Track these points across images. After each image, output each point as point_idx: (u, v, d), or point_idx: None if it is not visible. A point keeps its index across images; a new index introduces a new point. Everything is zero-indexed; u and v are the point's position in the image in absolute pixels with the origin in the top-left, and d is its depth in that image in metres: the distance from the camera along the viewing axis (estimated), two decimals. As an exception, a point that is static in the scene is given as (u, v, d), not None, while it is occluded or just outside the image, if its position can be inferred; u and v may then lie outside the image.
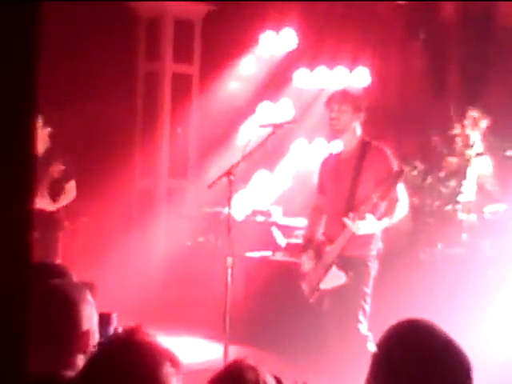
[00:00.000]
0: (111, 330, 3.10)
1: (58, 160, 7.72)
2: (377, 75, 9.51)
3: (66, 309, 2.69)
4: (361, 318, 5.76)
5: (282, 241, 8.64)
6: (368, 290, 5.83)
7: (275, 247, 8.63)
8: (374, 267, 5.88)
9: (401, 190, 5.79)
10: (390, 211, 5.74)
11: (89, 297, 2.81)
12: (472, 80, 8.93)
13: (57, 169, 7.66)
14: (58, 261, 7.70)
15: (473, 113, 8.12)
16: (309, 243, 6.02)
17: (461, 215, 7.86)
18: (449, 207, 7.94)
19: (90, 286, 3.34)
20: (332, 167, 6.09)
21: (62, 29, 9.94)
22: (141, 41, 10.32)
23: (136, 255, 9.77)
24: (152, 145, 10.17)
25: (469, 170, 8.03)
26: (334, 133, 6.02)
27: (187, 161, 10.18)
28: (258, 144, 5.93)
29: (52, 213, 7.81)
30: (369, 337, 5.77)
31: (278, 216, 9.13)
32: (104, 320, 3.06)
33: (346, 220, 5.66)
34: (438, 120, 8.66)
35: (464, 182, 8.00)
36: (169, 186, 10.16)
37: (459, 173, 8.06)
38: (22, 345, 1.69)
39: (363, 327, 5.76)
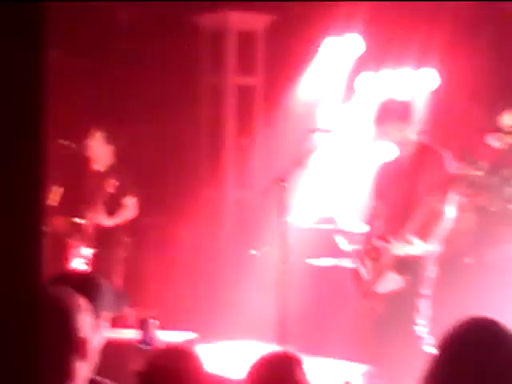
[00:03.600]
0: (151, 335, 3.13)
1: (113, 175, 7.76)
2: (443, 76, 9.39)
3: (59, 316, 2.62)
4: (417, 320, 5.72)
5: (346, 247, 8.60)
6: (425, 292, 5.78)
7: (341, 254, 8.59)
8: (431, 269, 5.83)
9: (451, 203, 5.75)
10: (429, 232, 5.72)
11: (84, 303, 2.73)
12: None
13: (111, 183, 7.71)
14: (119, 277, 7.79)
15: None
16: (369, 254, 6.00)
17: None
18: (512, 206, 7.80)
19: (125, 296, 3.37)
20: (389, 173, 6.08)
21: (127, 46, 10.14)
22: (205, 54, 10.39)
23: (204, 265, 9.83)
24: (218, 157, 10.24)
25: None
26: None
27: (253, 172, 10.21)
28: (309, 150, 5.94)
29: (111, 229, 7.87)
30: (427, 339, 5.71)
31: (343, 222, 9.08)
32: (143, 325, 3.10)
33: (386, 244, 5.70)
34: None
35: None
36: (235, 197, 10.21)
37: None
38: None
39: (420, 329, 5.72)
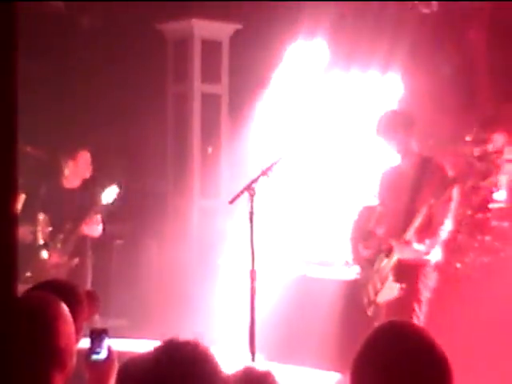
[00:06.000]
0: (105, 345, 3.08)
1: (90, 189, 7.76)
2: (407, 84, 9.44)
3: (39, 324, 2.48)
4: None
5: (315, 256, 8.60)
6: (423, 298, 5.83)
7: (309, 263, 8.59)
8: (431, 277, 5.87)
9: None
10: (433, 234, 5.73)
11: (66, 312, 2.59)
12: (500, 90, 8.88)
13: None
14: (87, 285, 7.72)
15: (498, 136, 8.13)
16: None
17: (493, 223, 7.75)
18: (480, 215, 7.83)
19: (92, 296, 3.33)
20: (391, 181, 6.09)
21: (91, 53, 10.08)
22: (169, 62, 10.37)
23: (171, 273, 9.78)
24: (184, 165, 10.20)
25: (500, 177, 7.91)
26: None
27: (219, 180, 10.18)
28: (278, 158, 5.90)
29: (83, 237, 7.83)
30: None
31: (310, 231, 9.08)
32: (99, 334, 3.04)
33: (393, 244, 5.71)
34: (467, 128, 8.58)
35: (495, 189, 7.90)
36: (201, 206, 10.16)
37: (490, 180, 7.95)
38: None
39: None
